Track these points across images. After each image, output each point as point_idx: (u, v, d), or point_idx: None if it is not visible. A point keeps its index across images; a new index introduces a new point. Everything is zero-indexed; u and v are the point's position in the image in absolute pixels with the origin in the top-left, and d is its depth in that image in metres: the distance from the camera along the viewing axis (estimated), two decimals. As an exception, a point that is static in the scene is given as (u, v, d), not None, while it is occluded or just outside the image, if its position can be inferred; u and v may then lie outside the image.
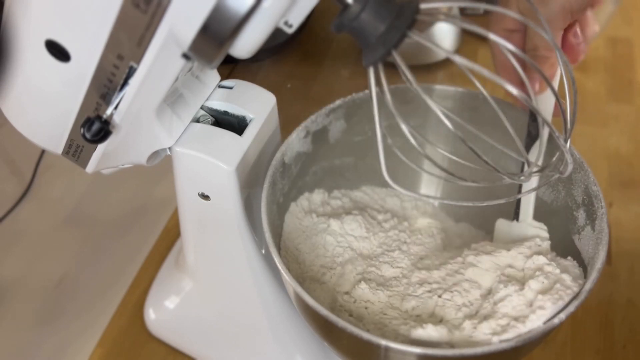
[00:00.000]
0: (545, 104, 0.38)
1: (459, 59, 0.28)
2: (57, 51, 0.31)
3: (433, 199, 0.37)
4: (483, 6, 0.25)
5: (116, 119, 0.33)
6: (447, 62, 0.80)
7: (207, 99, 0.40)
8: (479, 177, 0.35)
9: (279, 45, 0.83)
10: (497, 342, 0.32)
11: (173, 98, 0.38)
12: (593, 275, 0.34)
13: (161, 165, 0.41)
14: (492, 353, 0.31)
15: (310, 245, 0.44)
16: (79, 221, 0.66)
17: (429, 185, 0.51)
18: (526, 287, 0.36)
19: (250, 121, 0.40)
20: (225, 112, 0.40)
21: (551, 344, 0.53)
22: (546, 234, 0.41)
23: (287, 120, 0.45)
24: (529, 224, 0.42)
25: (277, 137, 0.43)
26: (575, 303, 0.33)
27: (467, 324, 0.37)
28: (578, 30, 0.37)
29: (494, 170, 0.32)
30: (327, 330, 0.36)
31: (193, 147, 0.37)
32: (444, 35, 0.78)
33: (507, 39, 0.28)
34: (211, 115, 0.41)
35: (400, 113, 0.29)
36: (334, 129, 0.47)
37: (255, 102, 0.40)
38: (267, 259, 0.45)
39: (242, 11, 0.25)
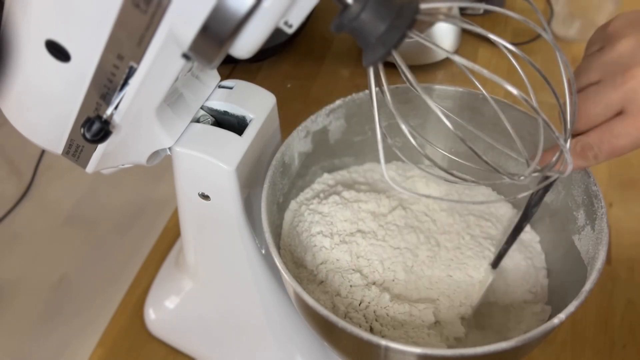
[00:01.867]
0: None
1: (458, 59, 0.28)
2: (57, 51, 0.31)
3: (433, 198, 0.37)
4: (483, 6, 0.25)
5: (116, 119, 0.33)
6: (447, 62, 0.80)
7: (207, 99, 0.40)
8: (479, 177, 0.35)
9: (279, 45, 0.83)
10: (497, 343, 0.32)
11: (173, 98, 0.38)
12: (593, 275, 0.34)
13: (161, 165, 0.41)
14: (492, 353, 0.31)
15: (307, 243, 0.44)
16: (78, 221, 0.66)
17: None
18: None
19: (250, 121, 0.40)
20: (225, 112, 0.40)
21: (551, 344, 0.53)
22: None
23: (287, 120, 0.45)
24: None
25: (277, 137, 0.43)
26: (575, 303, 0.33)
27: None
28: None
29: (494, 170, 0.32)
30: (327, 330, 0.36)
31: (193, 147, 0.37)
32: (444, 35, 0.78)
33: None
34: (211, 115, 0.41)
35: (400, 113, 0.29)
36: (334, 129, 0.47)
37: (255, 102, 0.40)
38: (267, 259, 0.45)
39: (242, 11, 0.25)
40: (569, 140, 0.32)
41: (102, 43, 0.29)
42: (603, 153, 0.33)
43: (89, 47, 0.30)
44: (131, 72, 0.30)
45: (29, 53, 0.32)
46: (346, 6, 0.28)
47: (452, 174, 0.33)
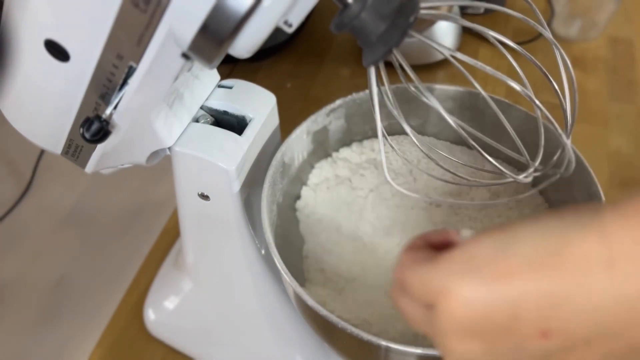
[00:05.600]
0: None
1: (460, 56, 0.28)
2: (57, 51, 0.31)
3: (433, 199, 0.37)
4: (483, 5, 0.25)
5: (115, 118, 0.33)
6: (447, 62, 0.80)
7: (207, 99, 0.40)
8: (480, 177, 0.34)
9: (279, 45, 0.83)
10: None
11: (173, 98, 0.38)
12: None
13: (161, 165, 0.41)
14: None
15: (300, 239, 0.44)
16: (78, 221, 0.66)
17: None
18: None
19: (250, 121, 0.39)
20: (225, 112, 0.40)
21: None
22: None
23: (287, 120, 0.45)
24: None
25: (277, 137, 0.43)
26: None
27: None
28: None
29: (495, 170, 0.32)
30: (327, 330, 0.36)
31: (193, 147, 0.37)
32: (444, 35, 0.78)
33: None
34: (211, 115, 0.41)
35: (400, 113, 0.29)
36: (334, 129, 0.47)
37: (255, 102, 0.40)
38: (267, 259, 0.45)
39: (242, 10, 0.24)
40: (569, 137, 0.32)
41: (102, 43, 0.29)
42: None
43: (88, 46, 0.30)
44: (130, 71, 0.30)
45: (28, 53, 0.32)
46: (346, 5, 0.28)
47: (453, 173, 0.33)
